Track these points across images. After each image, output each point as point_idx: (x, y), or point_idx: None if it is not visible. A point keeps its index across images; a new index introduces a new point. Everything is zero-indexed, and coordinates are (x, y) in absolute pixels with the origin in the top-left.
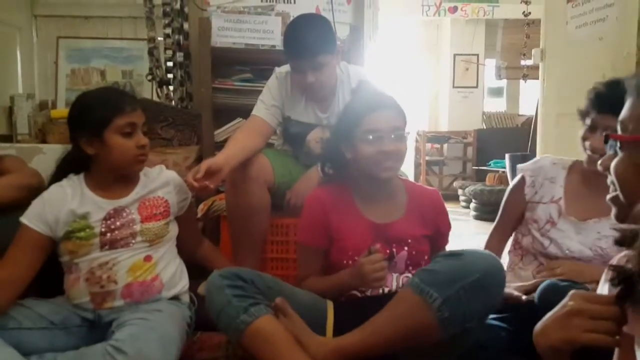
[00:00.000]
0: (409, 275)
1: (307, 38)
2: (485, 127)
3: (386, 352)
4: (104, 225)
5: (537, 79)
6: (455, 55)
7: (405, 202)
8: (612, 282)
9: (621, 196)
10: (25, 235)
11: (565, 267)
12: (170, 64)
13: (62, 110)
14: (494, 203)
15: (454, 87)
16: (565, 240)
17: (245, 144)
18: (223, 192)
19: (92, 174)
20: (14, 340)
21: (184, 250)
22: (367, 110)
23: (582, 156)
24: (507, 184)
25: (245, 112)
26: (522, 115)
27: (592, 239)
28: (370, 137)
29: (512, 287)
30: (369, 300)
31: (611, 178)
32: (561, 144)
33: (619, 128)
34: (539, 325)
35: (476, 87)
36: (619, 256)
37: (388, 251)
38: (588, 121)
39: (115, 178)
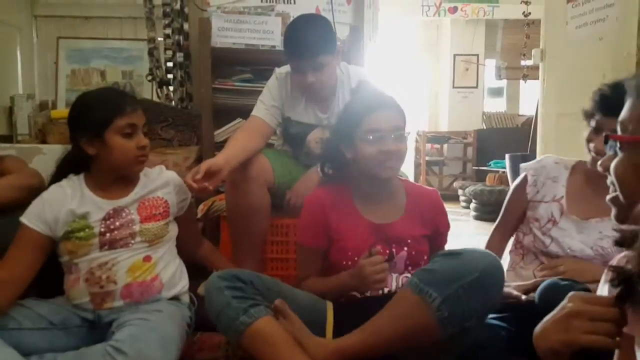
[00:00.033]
0: (409, 275)
1: (307, 38)
2: (485, 128)
3: (386, 353)
4: (103, 226)
5: (537, 79)
6: (455, 55)
7: (405, 202)
8: (612, 282)
9: (621, 197)
10: (25, 235)
11: (567, 265)
12: (170, 64)
13: (62, 111)
14: (494, 203)
15: (454, 87)
16: (566, 239)
17: (245, 145)
18: (223, 192)
19: (92, 174)
20: (14, 341)
21: (184, 250)
22: (367, 110)
23: (583, 156)
24: (507, 184)
25: (245, 113)
26: (522, 116)
27: (593, 238)
28: (371, 137)
29: (511, 287)
30: (368, 301)
31: (611, 178)
32: (561, 144)
33: (618, 129)
34: (538, 327)
35: (476, 87)
36: (619, 257)
37: (388, 251)
38: (593, 123)
39: (115, 178)
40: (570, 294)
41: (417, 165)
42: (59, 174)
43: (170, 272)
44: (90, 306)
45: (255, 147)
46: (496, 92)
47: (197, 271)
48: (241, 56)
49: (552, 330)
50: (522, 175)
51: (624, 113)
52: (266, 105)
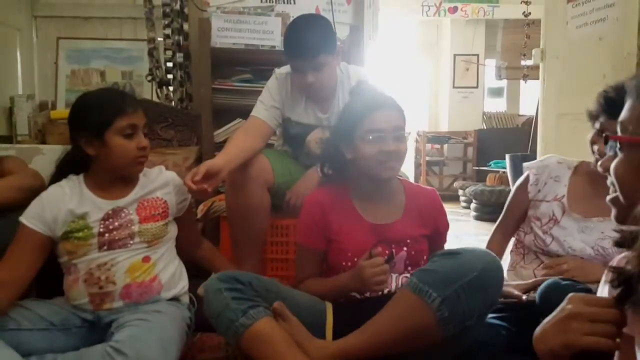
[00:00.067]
0: (408, 275)
1: (307, 38)
2: (485, 128)
3: (387, 353)
4: (102, 226)
5: (538, 79)
6: (455, 55)
7: (404, 202)
8: (612, 283)
9: (621, 197)
10: (25, 235)
11: (570, 264)
12: (170, 64)
13: (62, 111)
14: (494, 203)
15: (454, 87)
16: (567, 238)
17: (245, 145)
18: (223, 192)
19: (92, 175)
20: (13, 342)
21: (184, 251)
22: (367, 110)
23: (583, 156)
24: (508, 185)
25: (245, 113)
26: (522, 116)
27: (595, 238)
28: (371, 136)
29: (511, 286)
30: (368, 301)
31: (611, 179)
32: (562, 144)
33: (618, 129)
34: (538, 329)
35: (476, 87)
36: (619, 257)
37: (387, 252)
38: (597, 125)
39: (114, 178)
40: (570, 295)
41: (417, 166)
42: (59, 174)
43: (170, 272)
44: (90, 307)
45: (254, 148)
46: (496, 92)
47: (197, 272)
48: (241, 56)
49: (551, 332)
50: (524, 175)
51: (624, 114)
52: (266, 106)
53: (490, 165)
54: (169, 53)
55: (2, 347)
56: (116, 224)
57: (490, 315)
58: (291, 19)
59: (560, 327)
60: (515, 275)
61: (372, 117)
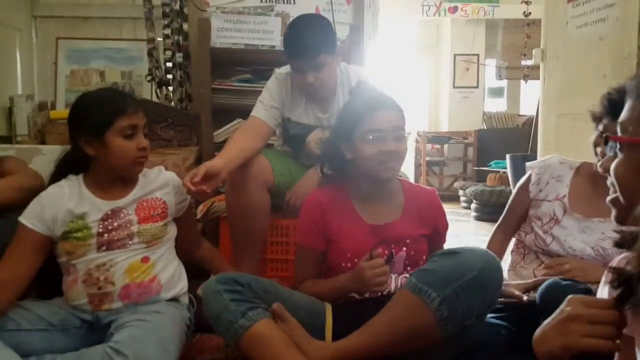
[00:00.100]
0: (408, 275)
1: (307, 38)
2: (485, 128)
3: (386, 354)
4: (101, 226)
5: (538, 79)
6: (455, 55)
7: (403, 202)
8: (612, 284)
9: (621, 198)
10: (24, 235)
11: (572, 264)
12: (169, 64)
13: (61, 111)
14: (494, 204)
15: (454, 87)
16: (567, 238)
17: (245, 146)
18: (222, 193)
19: (91, 175)
20: (13, 342)
21: (184, 251)
22: (367, 110)
23: (583, 156)
24: (508, 185)
25: (244, 113)
26: (522, 116)
27: (595, 238)
28: (371, 136)
29: (512, 286)
30: (367, 302)
31: (611, 180)
32: (562, 144)
33: (618, 130)
34: (537, 332)
35: (477, 87)
36: (619, 258)
37: (386, 252)
38: (600, 127)
39: (114, 179)
40: (569, 297)
41: (417, 166)
42: (58, 174)
43: (169, 273)
44: (89, 307)
45: (254, 148)
46: (497, 92)
47: (196, 272)
48: (241, 56)
49: (550, 334)
50: (526, 174)
51: (623, 114)
52: (265, 106)
53: (491, 165)
54: (169, 53)
55: (2, 347)
56: (115, 224)
57: (490, 315)
58: (291, 18)
59: (560, 329)
60: (515, 275)
61: (372, 117)
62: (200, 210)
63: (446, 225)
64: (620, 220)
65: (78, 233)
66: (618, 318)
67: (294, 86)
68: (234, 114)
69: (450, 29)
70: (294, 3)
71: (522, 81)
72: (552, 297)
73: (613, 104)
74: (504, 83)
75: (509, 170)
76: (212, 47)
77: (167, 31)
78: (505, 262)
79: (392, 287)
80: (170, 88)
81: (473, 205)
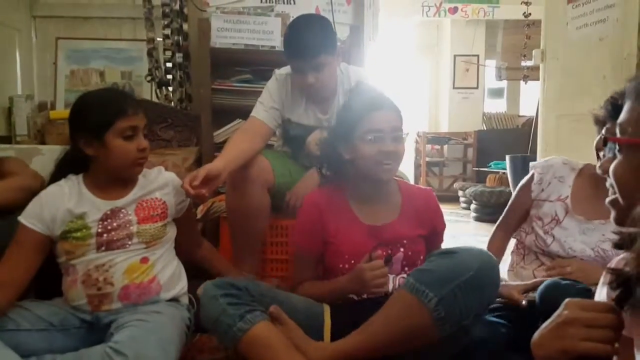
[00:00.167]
0: (405, 275)
1: (308, 38)
2: (485, 128)
3: (384, 353)
4: (100, 226)
5: (538, 79)
6: (455, 56)
7: (400, 202)
8: (611, 285)
9: (620, 199)
10: (23, 235)
11: (574, 266)
12: (169, 65)
13: (61, 111)
14: (494, 204)
15: (454, 87)
16: (568, 239)
17: (245, 146)
18: (223, 193)
19: (91, 175)
20: (12, 342)
21: (184, 251)
22: (366, 110)
23: (583, 157)
24: (508, 186)
25: (244, 113)
26: (522, 116)
27: (595, 240)
28: (370, 137)
29: (511, 287)
30: (365, 303)
31: (610, 181)
32: (562, 145)
33: (617, 131)
34: (535, 335)
35: (476, 88)
36: (617, 259)
37: (384, 253)
38: (604, 131)
39: (113, 179)
40: (566, 300)
41: (417, 166)
42: (58, 174)
43: (169, 273)
44: (88, 308)
45: (254, 149)
46: (496, 93)
47: (196, 272)
48: (241, 57)
49: (548, 338)
50: (529, 173)
51: (622, 115)
52: (265, 107)
53: (490, 166)
54: (169, 53)
55: (2, 347)
56: (114, 224)
57: (490, 315)
58: (291, 19)
59: (557, 333)
60: (515, 275)
61: (370, 117)
62: (201, 210)
63: (444, 225)
64: (620, 221)
65: (77, 233)
66: (616, 321)
67: (294, 87)
68: (234, 114)
69: (450, 30)
70: (294, 3)
71: (522, 82)
72: (551, 297)
73: (616, 108)
74: (503, 84)
75: (508, 171)
76: (212, 48)
77: (167, 31)
78: (505, 263)
79: (390, 287)
80: (170, 88)
81: (473, 206)
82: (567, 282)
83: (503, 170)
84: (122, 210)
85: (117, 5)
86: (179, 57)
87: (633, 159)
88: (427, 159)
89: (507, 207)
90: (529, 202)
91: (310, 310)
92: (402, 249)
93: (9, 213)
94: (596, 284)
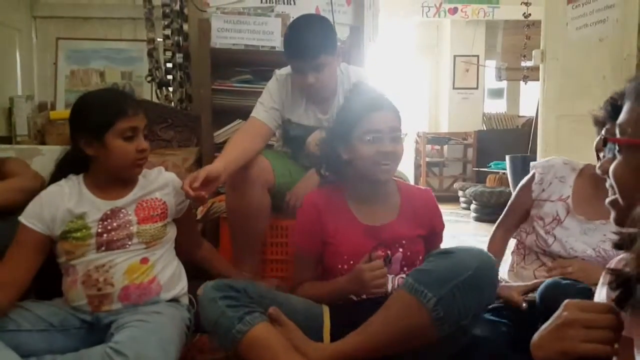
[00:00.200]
0: (404, 276)
1: (308, 38)
2: (485, 129)
3: (384, 354)
4: (100, 226)
5: (538, 80)
6: (455, 56)
7: (399, 203)
8: (611, 285)
9: (620, 199)
10: (24, 235)
11: (575, 266)
12: (169, 65)
13: (61, 112)
14: (494, 205)
15: (454, 88)
16: (569, 239)
17: (245, 147)
18: (223, 193)
19: (91, 175)
20: (13, 343)
21: (184, 251)
22: (365, 111)
23: (582, 157)
24: (508, 186)
25: (244, 114)
26: (522, 117)
27: (597, 240)
28: (369, 137)
29: (512, 288)
30: (364, 303)
31: (610, 181)
32: (561, 145)
33: (617, 131)
34: (535, 337)
35: (476, 88)
36: (616, 259)
37: (384, 254)
38: (603, 132)
39: (113, 179)
40: (566, 301)
41: (417, 167)
42: (59, 174)
43: (169, 273)
44: (88, 308)
45: (254, 149)
46: (496, 93)
47: (196, 272)
48: (241, 57)
49: (548, 340)
50: (530, 173)
51: (622, 116)
52: (265, 107)
53: (490, 166)
54: (169, 54)
55: (2, 348)
56: (114, 224)
57: (490, 315)
58: (291, 19)
59: (557, 334)
60: (515, 276)
61: (369, 118)
62: (201, 210)
63: (442, 225)
64: (620, 222)
65: (77, 233)
66: (615, 322)
67: (294, 87)
68: (234, 114)
69: (450, 30)
70: (294, 4)
71: (521, 82)
72: (551, 297)
73: (616, 109)
74: (503, 84)
75: (508, 171)
76: (212, 48)
77: (167, 32)
78: (505, 263)
79: (389, 287)
80: (171, 89)
81: (473, 206)
82: (568, 281)
83: (503, 171)
84: (122, 211)
85: (118, 6)
86: (179, 57)
87: (633, 159)
88: (427, 159)
89: (507, 206)
90: (529, 202)
91: (309, 311)
92: (401, 249)
93: (10, 214)
94: (597, 284)
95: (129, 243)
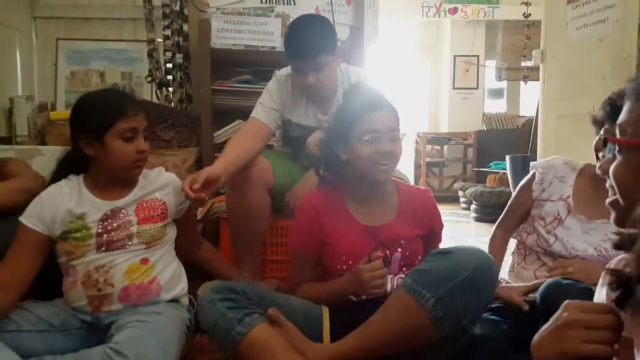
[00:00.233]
0: (403, 276)
1: (308, 38)
2: (485, 129)
3: (383, 354)
4: (100, 226)
5: (538, 80)
6: (455, 56)
7: (397, 203)
8: (611, 286)
9: (620, 200)
10: (24, 235)
11: (576, 266)
12: (169, 65)
13: (61, 112)
14: (494, 205)
15: (454, 88)
16: (570, 238)
17: (245, 147)
18: (223, 193)
19: (91, 175)
20: (13, 343)
21: (184, 252)
22: (364, 111)
23: (583, 157)
24: (508, 186)
25: (244, 114)
26: (522, 117)
27: (598, 239)
28: (368, 137)
29: (512, 289)
30: (364, 304)
31: (610, 182)
32: (562, 145)
33: (617, 132)
34: (535, 338)
35: (476, 88)
36: (616, 260)
37: (383, 254)
38: (602, 132)
39: (113, 179)
40: (565, 302)
41: (417, 167)
42: (59, 174)
43: (169, 274)
44: (89, 309)
45: (254, 149)
46: (496, 93)
47: (196, 273)
48: (241, 57)
49: (548, 341)
50: (530, 173)
51: (622, 116)
52: (265, 108)
53: (491, 166)
54: (169, 54)
55: (2, 348)
56: (114, 224)
57: (491, 315)
58: (291, 19)
59: (557, 335)
60: (516, 276)
61: (368, 118)
62: (201, 211)
63: (441, 225)
64: (620, 222)
65: (77, 233)
66: (615, 322)
67: (294, 88)
68: (234, 115)
69: (450, 30)
70: (294, 4)
71: (521, 82)
72: (552, 297)
73: (614, 109)
74: (503, 84)
75: (508, 171)
76: (212, 48)
77: (167, 32)
78: (506, 264)
79: (389, 287)
80: (171, 89)
81: (473, 207)
82: (568, 281)
83: (503, 171)
84: (122, 211)
85: (118, 6)
86: (179, 57)
87: (633, 159)
88: (427, 159)
89: (507, 206)
90: (529, 201)
91: (308, 312)
92: (399, 249)
93: (11, 214)
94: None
95: (129, 243)
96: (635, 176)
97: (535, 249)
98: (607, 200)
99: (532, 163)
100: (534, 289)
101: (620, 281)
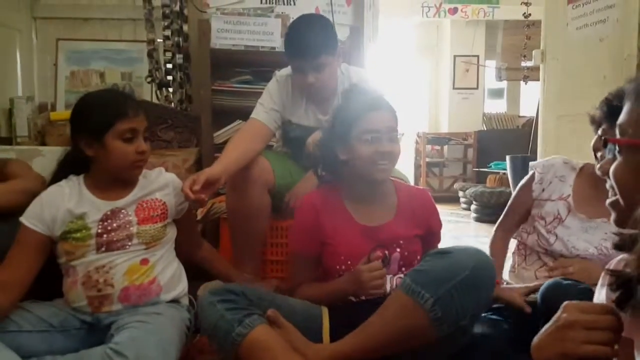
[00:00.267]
0: (402, 276)
1: (308, 38)
2: (485, 129)
3: (382, 354)
4: (100, 227)
5: (538, 80)
6: (455, 56)
7: (396, 203)
8: (611, 286)
9: (621, 200)
10: (25, 235)
11: (576, 266)
12: (169, 66)
13: (61, 113)
14: (494, 205)
15: (454, 88)
16: (571, 237)
17: (245, 148)
18: (223, 194)
19: (91, 175)
20: (13, 343)
21: (184, 252)
22: (363, 111)
23: (582, 157)
24: (508, 186)
25: (244, 114)
26: (522, 117)
27: (598, 238)
28: (368, 137)
29: (514, 290)
30: (363, 304)
31: (610, 182)
32: (562, 145)
33: (617, 132)
34: (535, 339)
35: (476, 88)
36: (616, 260)
37: (382, 254)
38: (600, 131)
39: (113, 180)
40: (565, 303)
41: (417, 167)
42: (60, 174)
43: (169, 274)
44: (89, 309)
45: (254, 150)
46: (496, 93)
47: (196, 273)
48: (241, 58)
49: (548, 342)
50: (530, 173)
51: (622, 116)
52: (266, 108)
53: (491, 166)
54: (169, 54)
55: (2, 348)
56: (114, 225)
57: (491, 315)
58: (291, 20)
59: (557, 336)
60: (516, 277)
61: (367, 118)
62: (201, 211)
63: (440, 225)
64: (620, 223)
65: (77, 234)
66: (615, 323)
67: (294, 88)
68: (234, 115)
69: (450, 30)
70: (294, 4)
71: (522, 82)
72: (553, 298)
73: (612, 109)
74: (503, 84)
75: (508, 172)
76: (212, 49)
77: (167, 32)
78: (506, 264)
79: (388, 288)
80: (170, 89)
81: (473, 207)
82: (569, 282)
83: (503, 171)
84: (122, 211)
85: (118, 7)
86: (179, 58)
87: (633, 160)
88: (427, 159)
89: (507, 206)
90: (529, 201)
91: (308, 313)
92: (398, 249)
93: (11, 215)
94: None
95: (129, 244)
96: (635, 177)
97: (536, 248)
98: (608, 201)
99: (531, 163)
100: (535, 289)
101: (621, 282)
